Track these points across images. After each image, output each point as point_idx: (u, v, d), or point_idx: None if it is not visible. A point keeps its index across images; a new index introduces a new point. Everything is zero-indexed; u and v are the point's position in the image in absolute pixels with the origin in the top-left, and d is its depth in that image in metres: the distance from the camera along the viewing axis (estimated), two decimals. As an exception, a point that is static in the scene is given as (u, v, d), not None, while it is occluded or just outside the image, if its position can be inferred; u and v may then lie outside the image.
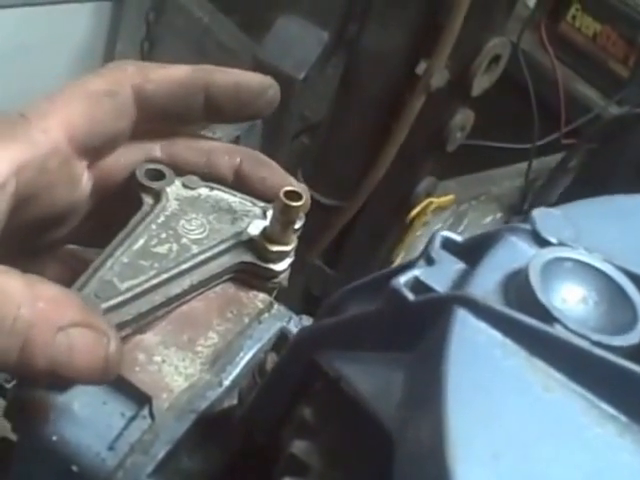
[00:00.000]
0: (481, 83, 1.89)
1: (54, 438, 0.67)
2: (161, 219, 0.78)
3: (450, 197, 2.01)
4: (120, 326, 0.69)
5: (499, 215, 1.99)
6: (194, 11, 2.79)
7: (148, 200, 0.80)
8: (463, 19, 1.74)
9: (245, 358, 0.75)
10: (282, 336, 0.77)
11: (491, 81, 1.91)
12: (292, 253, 0.80)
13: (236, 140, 1.83)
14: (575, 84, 2.30)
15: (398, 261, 1.85)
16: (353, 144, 2.04)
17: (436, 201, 1.98)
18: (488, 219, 1.97)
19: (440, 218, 1.98)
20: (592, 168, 1.89)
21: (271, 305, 0.80)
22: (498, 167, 2.17)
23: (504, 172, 2.16)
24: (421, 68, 1.85)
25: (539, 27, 2.32)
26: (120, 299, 0.70)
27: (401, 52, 1.90)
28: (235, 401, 0.73)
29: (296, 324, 0.79)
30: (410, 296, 0.49)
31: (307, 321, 0.79)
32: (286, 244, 0.78)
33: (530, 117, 2.09)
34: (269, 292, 0.81)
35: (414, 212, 1.97)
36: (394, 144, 1.90)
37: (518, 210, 2.01)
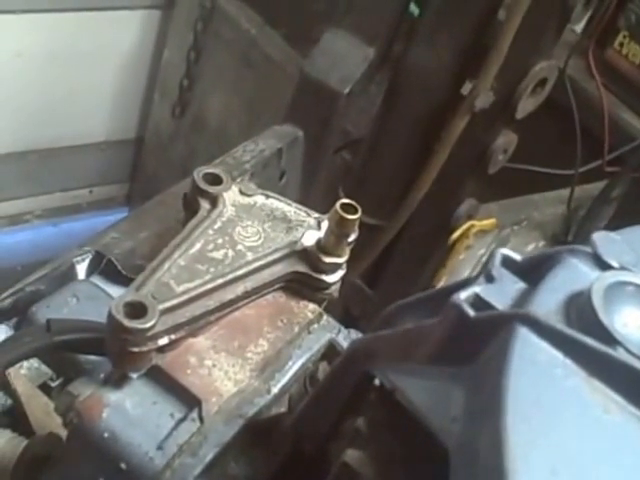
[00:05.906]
0: (526, 106, 1.88)
1: (106, 435, 0.68)
2: (218, 224, 0.79)
3: (492, 220, 1.99)
4: (174, 328, 0.70)
5: (542, 243, 1.97)
6: (242, 23, 2.81)
7: (205, 205, 0.81)
8: (511, 41, 1.74)
9: (294, 367, 0.76)
10: (331, 347, 0.78)
11: (536, 105, 1.90)
12: (344, 266, 0.81)
13: (279, 153, 1.83)
14: (620, 112, 2.29)
15: (440, 285, 1.83)
16: (395, 162, 2.04)
17: (478, 224, 1.96)
18: (531, 247, 1.95)
19: (483, 242, 1.95)
20: (635, 198, 1.87)
21: (321, 316, 0.80)
22: (539, 192, 2.15)
23: (546, 198, 2.14)
24: (466, 88, 1.85)
25: (586, 53, 2.31)
26: (175, 302, 0.71)
27: (446, 72, 1.90)
28: (283, 409, 0.74)
29: (345, 337, 0.79)
30: (471, 312, 0.50)
31: (356, 334, 0.80)
32: (339, 256, 0.79)
33: (573, 143, 2.07)
34: (319, 303, 0.81)
35: (455, 234, 1.95)
36: (436, 164, 1.90)
37: (561, 240, 1.98)
